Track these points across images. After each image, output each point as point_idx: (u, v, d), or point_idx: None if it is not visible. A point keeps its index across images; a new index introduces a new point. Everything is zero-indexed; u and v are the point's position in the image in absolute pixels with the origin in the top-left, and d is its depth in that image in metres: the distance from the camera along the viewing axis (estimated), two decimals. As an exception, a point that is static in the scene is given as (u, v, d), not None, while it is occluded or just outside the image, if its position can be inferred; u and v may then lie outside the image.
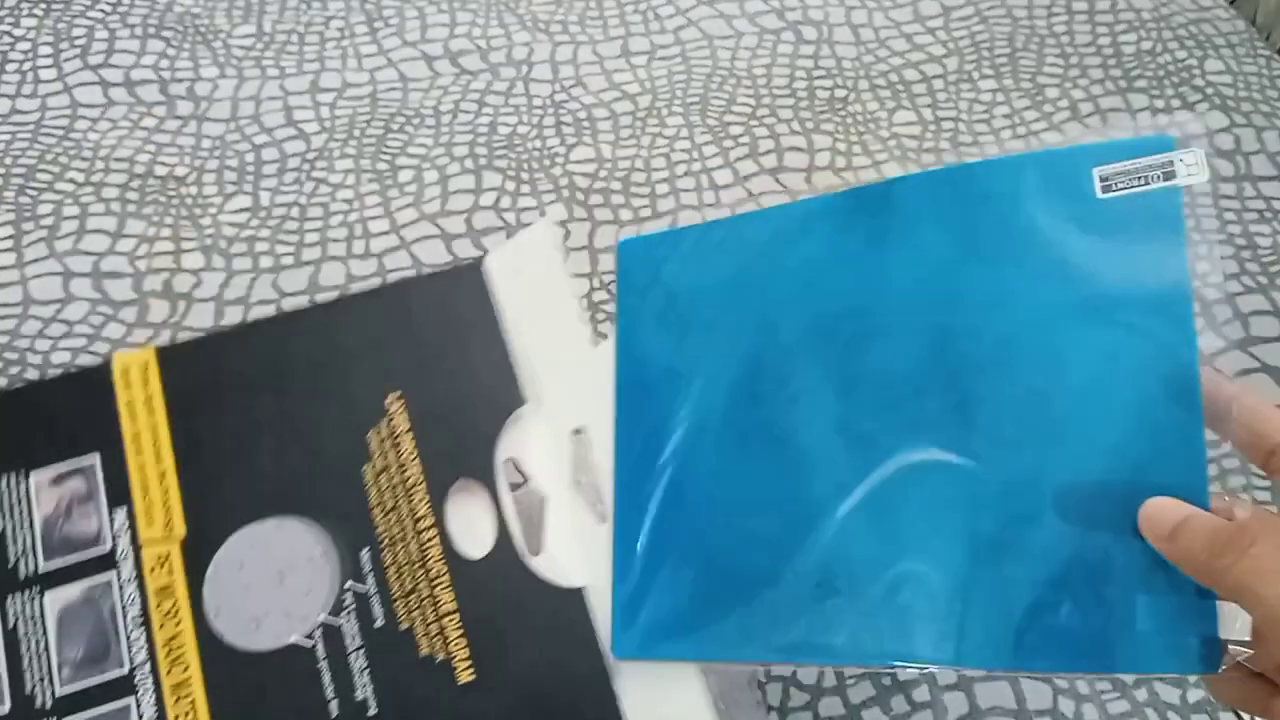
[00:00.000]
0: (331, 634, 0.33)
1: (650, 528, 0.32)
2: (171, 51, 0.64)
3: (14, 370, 0.49)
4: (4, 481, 0.35)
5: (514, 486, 0.35)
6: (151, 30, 0.65)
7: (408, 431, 0.36)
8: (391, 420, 0.36)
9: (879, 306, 0.31)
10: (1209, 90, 0.62)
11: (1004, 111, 0.61)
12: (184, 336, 0.46)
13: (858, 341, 0.31)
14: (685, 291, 0.34)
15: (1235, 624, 0.26)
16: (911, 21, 0.67)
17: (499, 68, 0.64)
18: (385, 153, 0.59)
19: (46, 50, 0.64)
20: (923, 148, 0.60)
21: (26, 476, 0.35)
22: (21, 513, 0.34)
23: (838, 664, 0.29)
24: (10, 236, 0.54)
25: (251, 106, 0.61)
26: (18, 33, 0.65)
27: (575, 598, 0.33)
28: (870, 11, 0.67)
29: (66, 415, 0.36)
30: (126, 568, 0.34)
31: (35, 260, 0.53)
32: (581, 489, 0.36)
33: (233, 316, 0.51)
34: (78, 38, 0.64)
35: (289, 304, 0.52)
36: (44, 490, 0.35)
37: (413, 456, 0.35)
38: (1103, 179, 0.29)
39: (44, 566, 0.34)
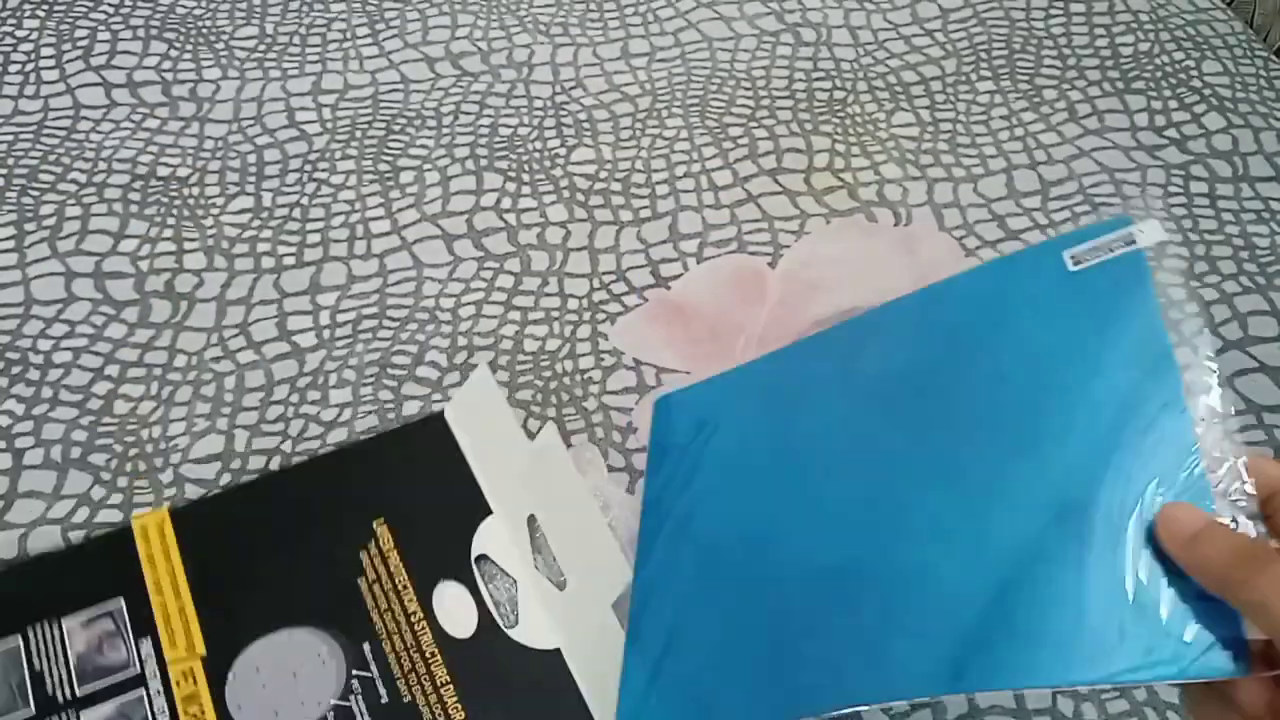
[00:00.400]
0: (343, 713, 0.38)
1: (659, 619, 0.36)
2: (174, 53, 0.64)
3: (16, 370, 0.49)
4: (39, 630, 0.40)
5: (487, 577, 0.42)
6: (154, 32, 0.65)
7: (393, 549, 0.42)
8: (379, 541, 0.42)
9: (883, 424, 0.34)
10: (1206, 91, 0.63)
11: (1002, 113, 0.62)
12: (189, 484, 0.45)
13: (870, 459, 0.34)
14: (716, 438, 0.38)
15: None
16: (910, 24, 0.67)
17: (500, 69, 0.64)
18: (387, 154, 0.59)
19: (49, 51, 0.64)
20: (921, 149, 0.60)
21: (59, 623, 0.40)
22: (56, 653, 0.40)
23: (875, 703, 0.30)
24: (13, 237, 0.54)
25: (254, 108, 0.61)
26: (20, 34, 0.65)
27: (554, 657, 0.39)
28: (869, 14, 0.68)
29: (93, 569, 0.42)
30: (155, 684, 0.39)
31: (37, 260, 0.54)
32: (540, 564, 0.42)
33: (234, 317, 0.51)
34: (80, 39, 0.65)
35: (290, 304, 0.52)
36: (75, 633, 0.40)
37: (400, 568, 0.42)
38: (1073, 258, 0.32)
39: (80, 691, 0.39)
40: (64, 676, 0.39)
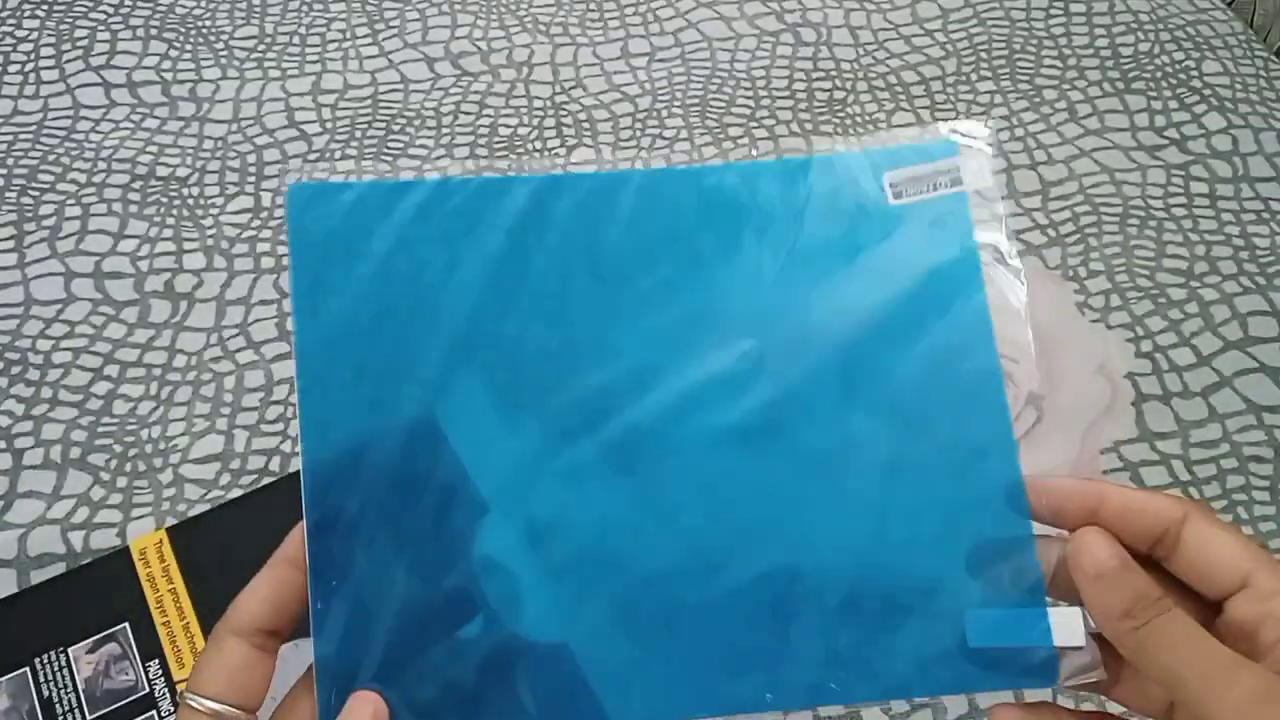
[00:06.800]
0: None
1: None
2: (174, 53, 0.64)
3: (15, 370, 0.49)
4: (46, 658, 0.40)
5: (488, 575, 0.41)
6: (154, 32, 0.65)
7: None
8: None
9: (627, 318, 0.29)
10: (1206, 91, 0.63)
11: (1002, 113, 0.62)
12: (190, 502, 0.45)
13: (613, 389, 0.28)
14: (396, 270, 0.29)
15: (1067, 632, 0.26)
16: (910, 24, 0.67)
17: (499, 69, 0.64)
18: (386, 154, 0.59)
19: (49, 51, 0.64)
20: (921, 149, 0.60)
21: (65, 651, 0.41)
22: (64, 680, 0.40)
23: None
24: (12, 237, 0.54)
25: (253, 108, 0.61)
26: (20, 34, 0.65)
27: (563, 651, 0.39)
28: (869, 14, 0.68)
29: (95, 595, 0.42)
30: (164, 704, 0.40)
31: (37, 260, 0.53)
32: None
33: (234, 317, 0.51)
34: (80, 39, 0.65)
35: (290, 304, 0.52)
36: (82, 658, 0.41)
37: None
38: (892, 185, 0.29)
39: (90, 716, 0.39)
40: (74, 703, 0.39)
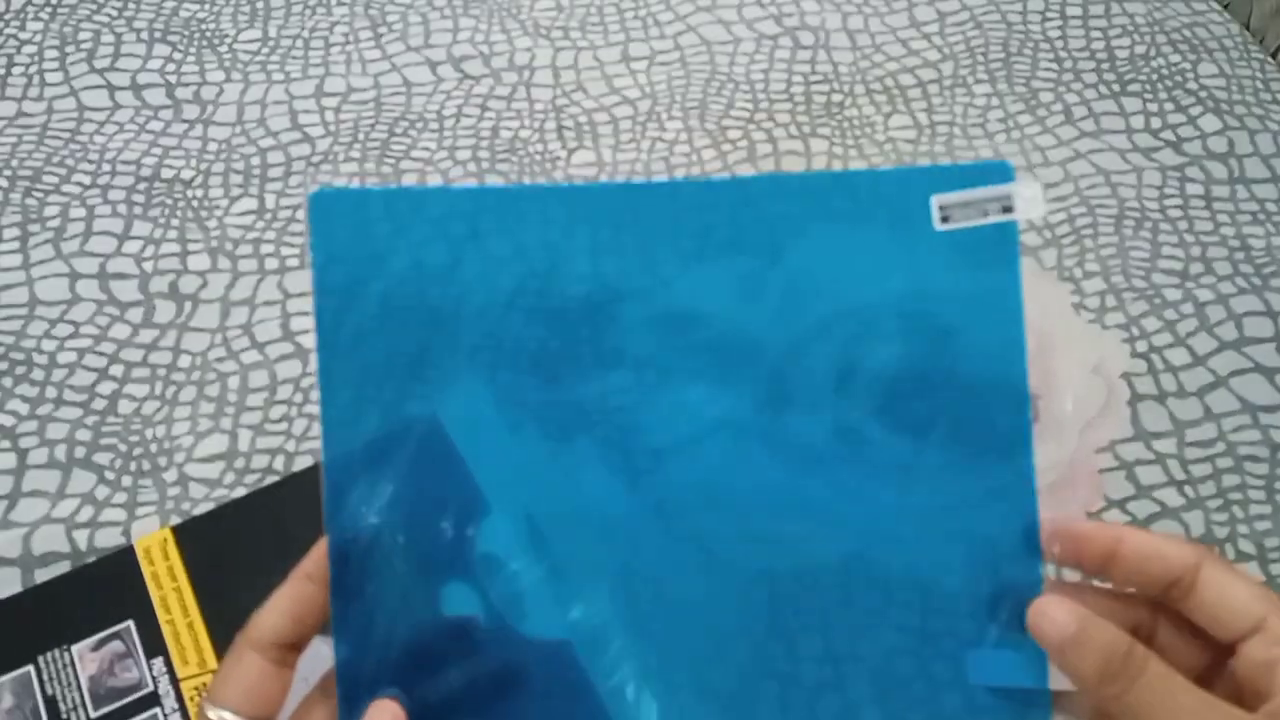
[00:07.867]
0: None
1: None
2: (178, 55, 0.65)
3: (20, 370, 0.50)
4: (50, 656, 0.41)
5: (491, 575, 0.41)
6: (158, 34, 0.66)
7: None
8: None
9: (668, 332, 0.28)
10: (1202, 94, 0.63)
11: (998, 116, 0.62)
12: (194, 501, 0.46)
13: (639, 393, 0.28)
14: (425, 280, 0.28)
15: (1063, 676, 0.26)
16: (907, 27, 0.67)
17: (501, 72, 0.64)
18: (389, 156, 0.60)
19: (53, 54, 0.64)
20: (918, 151, 0.60)
21: (69, 649, 0.41)
22: (68, 677, 0.40)
23: None
24: (17, 238, 0.55)
25: (257, 110, 0.62)
26: (24, 36, 0.65)
27: (566, 649, 0.39)
28: (866, 17, 0.68)
29: (100, 593, 0.43)
30: (169, 701, 0.40)
31: (42, 261, 0.54)
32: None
33: (238, 317, 0.52)
34: (84, 41, 0.65)
35: (293, 305, 0.52)
36: (86, 655, 0.41)
37: None
38: (942, 208, 0.28)
39: (94, 714, 0.40)
40: (78, 700, 0.40)
